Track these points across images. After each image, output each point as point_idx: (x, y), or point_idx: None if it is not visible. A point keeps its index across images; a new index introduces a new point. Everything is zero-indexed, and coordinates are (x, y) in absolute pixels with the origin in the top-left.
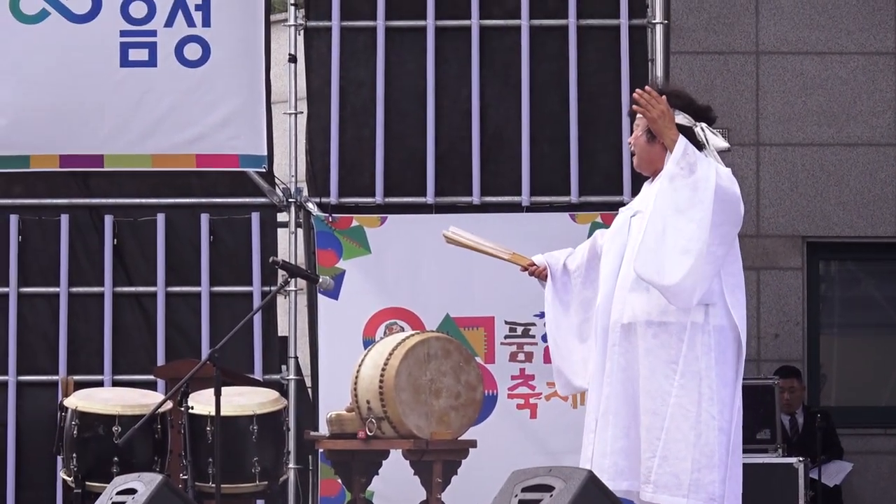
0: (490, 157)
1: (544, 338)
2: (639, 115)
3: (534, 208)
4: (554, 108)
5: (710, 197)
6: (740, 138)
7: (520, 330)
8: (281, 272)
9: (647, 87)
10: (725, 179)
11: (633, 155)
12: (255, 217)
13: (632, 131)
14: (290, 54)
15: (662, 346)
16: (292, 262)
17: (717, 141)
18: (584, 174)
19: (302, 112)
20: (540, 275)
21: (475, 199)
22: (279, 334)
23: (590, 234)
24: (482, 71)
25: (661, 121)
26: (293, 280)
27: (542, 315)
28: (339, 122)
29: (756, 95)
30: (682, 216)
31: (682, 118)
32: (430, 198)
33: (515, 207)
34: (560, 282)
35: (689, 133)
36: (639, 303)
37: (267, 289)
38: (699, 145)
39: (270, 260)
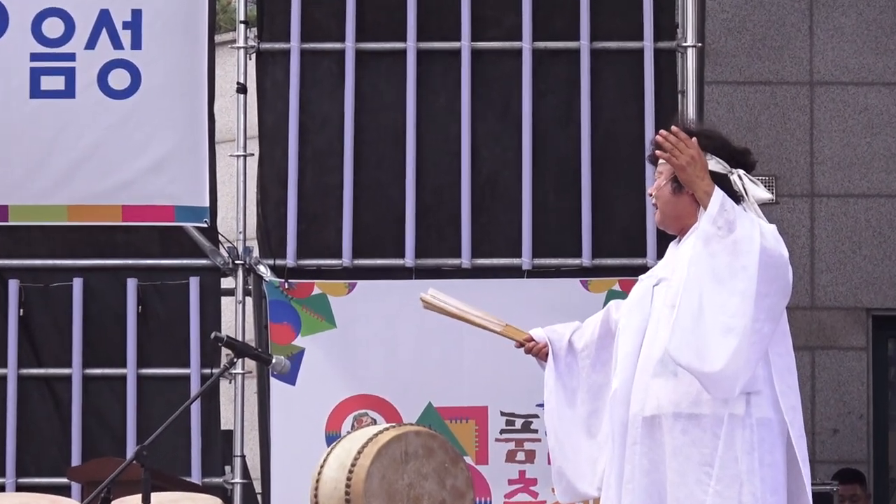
0: (483, 210)
1: None
2: (662, 161)
3: (537, 273)
4: (562, 151)
5: (755, 262)
6: (790, 188)
7: (519, 423)
8: (225, 351)
9: (673, 128)
10: (771, 240)
11: (655, 208)
12: (194, 283)
13: (654, 180)
14: (238, 83)
15: (694, 444)
16: (239, 338)
17: (757, 191)
18: (599, 231)
19: (253, 154)
20: (539, 353)
21: (465, 261)
22: (222, 428)
23: (605, 305)
24: (475, 104)
25: (692, 168)
26: (240, 361)
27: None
28: (299, 167)
29: (810, 135)
30: (721, 287)
31: (714, 164)
32: (409, 260)
33: (514, 272)
34: (564, 363)
35: (723, 182)
36: (665, 390)
37: (208, 371)
38: (736, 197)
39: (212, 336)
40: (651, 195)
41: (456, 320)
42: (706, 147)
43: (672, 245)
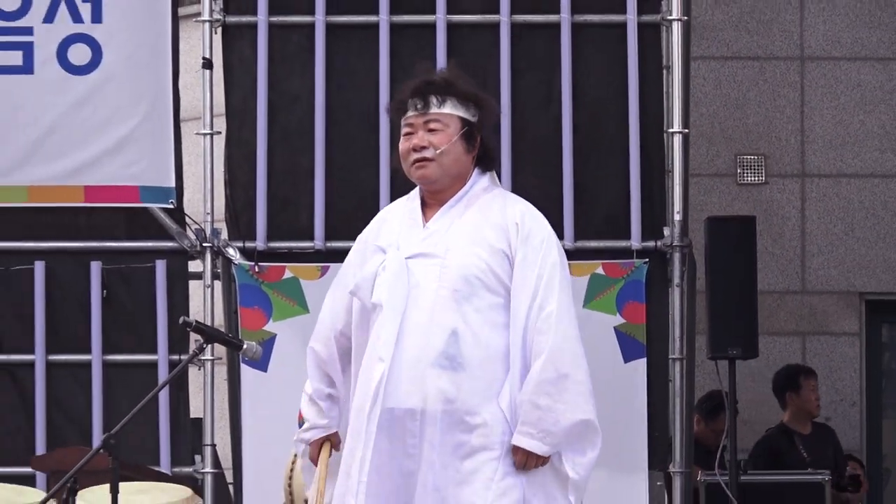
0: None
1: None
2: (435, 105)
3: None
4: (542, 128)
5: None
6: (780, 168)
7: None
8: (194, 336)
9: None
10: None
11: (420, 163)
12: (161, 266)
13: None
14: (203, 58)
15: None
16: (208, 323)
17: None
18: (581, 213)
19: (220, 132)
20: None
21: None
22: (192, 416)
23: (590, 289)
24: None
25: None
26: (210, 347)
27: None
28: (268, 146)
29: (801, 113)
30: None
31: (464, 112)
32: None
33: None
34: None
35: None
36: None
37: (176, 357)
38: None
39: (180, 321)
40: (419, 149)
41: None
42: (450, 91)
43: (437, 216)
